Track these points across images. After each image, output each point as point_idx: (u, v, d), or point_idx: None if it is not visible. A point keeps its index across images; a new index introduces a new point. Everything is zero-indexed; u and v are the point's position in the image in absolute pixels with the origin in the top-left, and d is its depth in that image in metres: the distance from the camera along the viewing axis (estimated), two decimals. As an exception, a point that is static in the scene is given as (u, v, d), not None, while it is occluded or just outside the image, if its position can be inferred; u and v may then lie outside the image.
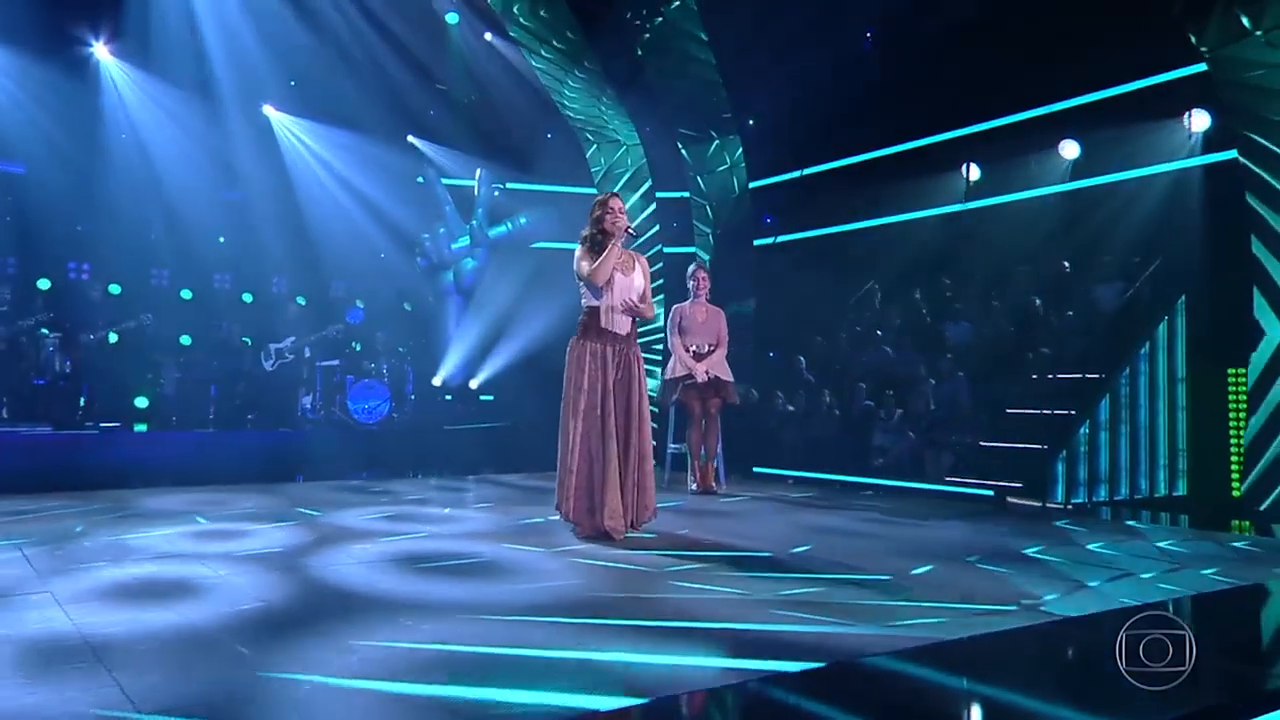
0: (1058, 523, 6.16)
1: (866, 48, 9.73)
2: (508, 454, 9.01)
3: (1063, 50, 7.95)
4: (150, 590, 3.71)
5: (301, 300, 11.48)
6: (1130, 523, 6.45)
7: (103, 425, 9.05)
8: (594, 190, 11.09)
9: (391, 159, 11.49)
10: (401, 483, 7.78)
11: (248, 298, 11.45)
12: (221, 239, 11.20)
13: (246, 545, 4.68)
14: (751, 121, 10.64)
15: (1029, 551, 4.92)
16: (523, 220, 11.99)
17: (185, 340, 10.47)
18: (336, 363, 10.62)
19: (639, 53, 10.28)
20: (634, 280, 5.13)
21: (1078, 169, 8.64)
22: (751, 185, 10.89)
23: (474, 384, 11.81)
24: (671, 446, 7.86)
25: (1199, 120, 7.65)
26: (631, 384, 5.07)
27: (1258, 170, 6.80)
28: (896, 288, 10.30)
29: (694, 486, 7.31)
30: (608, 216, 5.09)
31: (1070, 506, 7.23)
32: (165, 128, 10.67)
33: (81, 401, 9.29)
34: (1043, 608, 3.70)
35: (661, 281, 10.25)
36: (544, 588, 3.91)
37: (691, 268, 7.66)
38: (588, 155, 11.59)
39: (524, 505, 6.26)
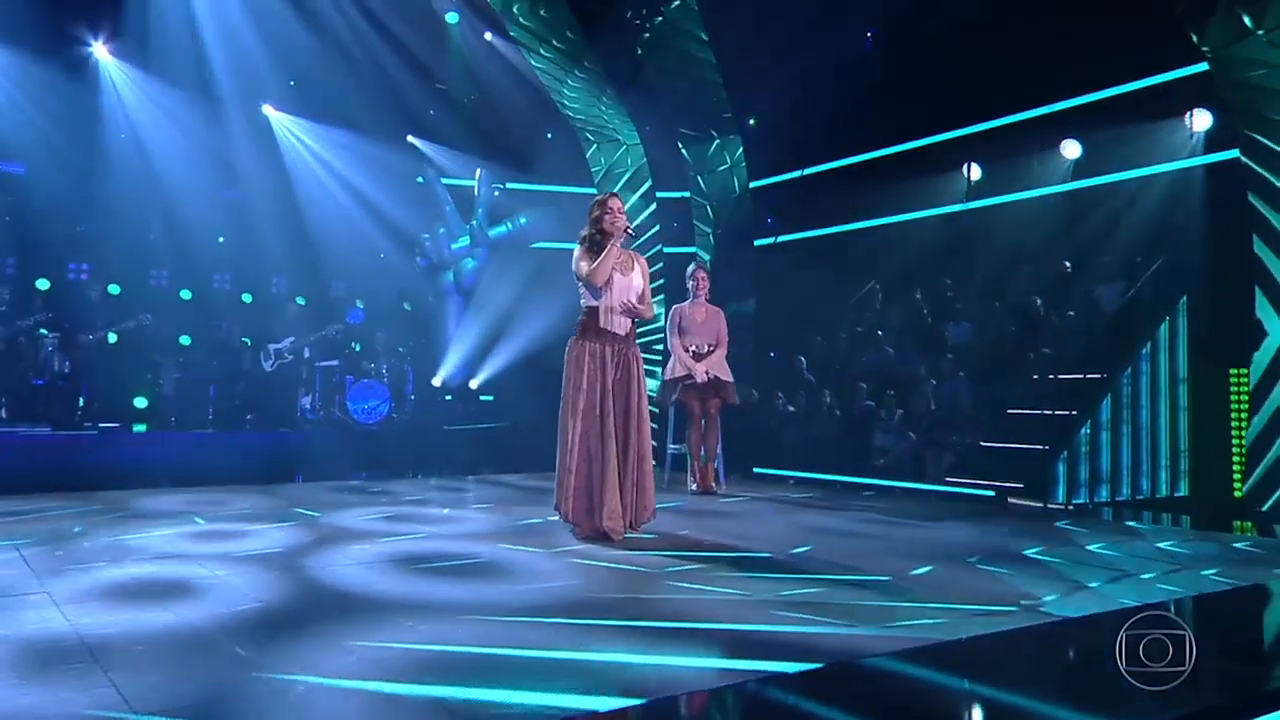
0: (1058, 523, 6.15)
1: (867, 47, 9.72)
2: (507, 454, 8.99)
3: (1064, 50, 7.94)
4: (148, 591, 3.70)
5: (301, 300, 11.47)
6: (1131, 523, 6.44)
7: (102, 425, 9.05)
8: (594, 190, 11.06)
9: (391, 159, 11.48)
10: (401, 483, 7.76)
11: (247, 298, 11.45)
12: (221, 239, 11.19)
13: (245, 546, 4.67)
14: (752, 121, 10.63)
15: (1029, 552, 4.91)
16: (523, 220, 11.98)
17: (184, 340, 10.46)
18: (336, 363, 10.61)
19: (639, 52, 10.26)
20: (633, 280, 5.12)
21: (1079, 169, 8.63)
22: (752, 185, 10.87)
23: (474, 384, 11.80)
24: (671, 447, 7.85)
25: (1200, 120, 7.65)
26: (631, 384, 5.06)
27: (1260, 170, 6.79)
28: (897, 288, 10.29)
29: (694, 487, 7.30)
30: (606, 216, 5.08)
31: (1071, 507, 7.21)
32: (165, 128, 10.66)
33: (80, 402, 9.29)
34: (1043, 608, 3.69)
35: (661, 281, 10.23)
36: (543, 588, 3.90)
37: (691, 268, 7.63)
38: (588, 155, 11.57)
39: (523, 506, 6.25)
